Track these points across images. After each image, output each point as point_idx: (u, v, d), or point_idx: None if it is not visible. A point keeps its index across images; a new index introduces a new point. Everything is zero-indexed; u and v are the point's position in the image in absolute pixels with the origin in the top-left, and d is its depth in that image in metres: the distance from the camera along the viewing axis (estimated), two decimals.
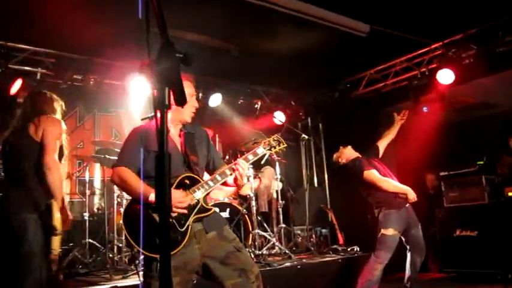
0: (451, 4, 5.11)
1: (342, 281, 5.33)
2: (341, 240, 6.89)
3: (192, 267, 2.56)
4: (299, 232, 6.98)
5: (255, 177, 6.22)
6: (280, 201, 6.47)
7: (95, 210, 6.57)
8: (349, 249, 6.38)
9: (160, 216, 1.39)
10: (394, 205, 4.55)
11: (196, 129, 2.93)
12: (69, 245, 5.58)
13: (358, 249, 6.30)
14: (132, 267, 5.00)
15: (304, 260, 5.64)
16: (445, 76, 6.13)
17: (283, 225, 6.33)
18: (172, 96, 1.41)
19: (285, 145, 3.04)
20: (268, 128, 7.44)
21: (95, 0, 4.69)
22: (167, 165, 1.34)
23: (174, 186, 2.56)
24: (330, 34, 5.63)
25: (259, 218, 6.09)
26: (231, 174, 2.74)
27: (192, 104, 2.80)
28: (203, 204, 2.64)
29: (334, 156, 5.18)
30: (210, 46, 5.94)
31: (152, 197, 2.45)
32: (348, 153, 5.03)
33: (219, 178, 2.72)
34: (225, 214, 5.80)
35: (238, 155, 6.67)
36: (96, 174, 6.85)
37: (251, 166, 5.54)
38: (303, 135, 6.36)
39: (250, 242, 5.83)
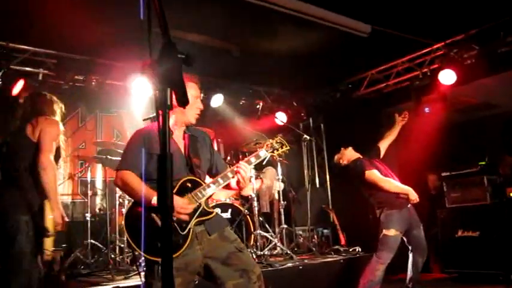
0: (453, 4, 5.10)
1: (344, 282, 5.33)
2: (343, 241, 6.88)
3: (193, 268, 2.56)
4: (301, 233, 6.97)
5: (256, 178, 6.22)
6: (282, 202, 6.47)
7: (97, 210, 6.58)
8: (350, 250, 6.37)
9: (162, 217, 1.39)
10: (395, 205, 4.55)
11: (199, 132, 2.93)
12: (70, 246, 5.61)
13: (359, 249, 6.30)
14: (134, 267, 5.00)
15: (305, 261, 5.63)
16: (447, 76, 6.13)
17: (285, 226, 6.33)
18: (174, 97, 1.41)
19: (288, 147, 3.03)
20: (270, 129, 7.45)
21: (97, 1, 4.70)
22: (169, 166, 1.34)
23: (176, 189, 2.56)
24: (332, 34, 5.63)
25: (261, 219, 6.08)
26: (233, 177, 2.74)
27: (196, 106, 2.80)
28: (205, 207, 2.63)
29: (336, 157, 5.18)
30: (211, 46, 5.95)
31: (155, 200, 2.45)
32: (349, 154, 5.03)
33: (221, 181, 2.72)
34: (227, 215, 5.80)
35: (240, 156, 6.70)
36: (98, 174, 6.86)
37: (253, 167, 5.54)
38: (305, 136, 6.36)
39: (252, 242, 5.83)
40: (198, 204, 2.60)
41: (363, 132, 6.35)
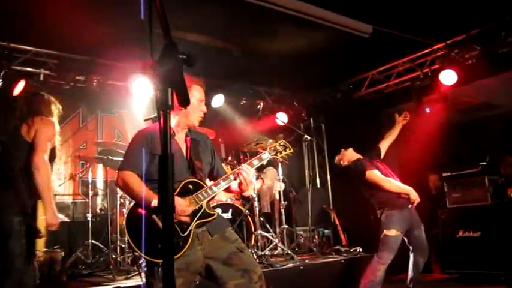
0: (454, 5, 5.10)
1: (345, 282, 5.33)
2: (343, 241, 6.88)
3: (195, 269, 2.56)
4: (301, 233, 6.97)
5: (257, 178, 6.22)
6: (283, 202, 6.47)
7: (98, 211, 6.58)
8: (351, 250, 6.37)
9: (163, 217, 1.39)
10: (396, 206, 4.54)
11: (201, 136, 2.93)
12: (71, 246, 5.61)
13: (360, 250, 6.29)
14: (135, 268, 5.00)
15: (306, 261, 5.63)
16: (448, 77, 6.12)
17: (286, 226, 6.33)
18: (175, 98, 1.41)
19: (291, 150, 3.03)
20: (271, 129, 7.46)
21: (98, 1, 4.70)
22: (171, 166, 1.35)
23: (177, 190, 2.56)
24: (333, 35, 5.64)
25: (261, 219, 6.08)
26: (235, 179, 2.74)
27: (201, 109, 2.81)
28: (206, 209, 2.63)
29: (336, 158, 5.18)
30: (212, 47, 5.95)
31: (155, 203, 2.45)
32: (349, 155, 5.03)
33: (223, 183, 2.72)
34: (228, 215, 5.80)
35: (241, 156, 6.70)
36: (99, 175, 6.86)
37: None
38: (306, 136, 6.36)
39: (252, 242, 5.83)
40: (199, 206, 2.60)
41: (364, 133, 6.35)
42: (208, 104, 6.83)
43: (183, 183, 2.60)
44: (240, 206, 6.01)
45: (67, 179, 6.62)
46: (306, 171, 8.73)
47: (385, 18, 5.40)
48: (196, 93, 2.78)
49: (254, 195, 5.87)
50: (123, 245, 5.44)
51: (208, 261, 2.59)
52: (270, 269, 4.92)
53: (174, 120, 2.75)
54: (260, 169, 6.52)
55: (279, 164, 6.41)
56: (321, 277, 5.30)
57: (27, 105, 3.37)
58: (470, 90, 6.81)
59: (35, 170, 3.03)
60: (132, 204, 2.69)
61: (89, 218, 5.67)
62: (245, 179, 2.71)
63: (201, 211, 2.60)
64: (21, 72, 5.68)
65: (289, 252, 5.77)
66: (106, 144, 6.52)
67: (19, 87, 5.51)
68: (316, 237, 7.11)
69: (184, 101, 1.45)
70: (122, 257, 5.43)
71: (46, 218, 3.05)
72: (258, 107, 7.86)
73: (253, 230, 5.89)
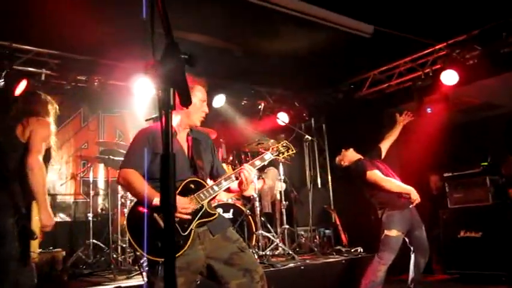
0: (455, 5, 5.10)
1: (346, 282, 5.33)
2: (344, 241, 6.88)
3: (196, 268, 2.57)
4: (302, 233, 6.98)
5: (258, 178, 6.22)
6: (284, 202, 6.47)
7: (99, 210, 6.59)
8: (352, 250, 6.37)
9: (164, 215, 1.39)
10: (397, 206, 4.54)
11: (202, 135, 2.94)
12: (72, 246, 5.61)
13: (361, 250, 6.30)
14: (136, 267, 5.01)
15: (307, 261, 5.63)
16: (449, 77, 6.12)
17: (287, 226, 6.33)
18: (177, 97, 1.41)
19: (294, 151, 3.04)
20: (272, 129, 7.46)
21: (100, 1, 4.70)
22: (172, 166, 1.35)
23: (179, 190, 2.57)
24: (334, 35, 5.63)
25: (262, 219, 6.08)
26: (237, 179, 2.75)
27: (202, 110, 2.82)
28: (207, 209, 2.64)
29: (337, 159, 5.19)
30: (213, 47, 5.95)
31: (156, 201, 2.45)
32: (350, 156, 5.04)
33: (224, 183, 2.73)
34: (229, 215, 5.80)
35: (242, 156, 6.70)
36: (100, 174, 6.87)
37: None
38: (307, 136, 6.37)
39: (253, 242, 5.84)
40: (200, 205, 2.60)
41: (365, 133, 6.34)
42: (209, 104, 6.85)
43: (184, 182, 2.61)
44: (241, 206, 6.02)
45: (68, 179, 6.63)
46: (307, 172, 8.73)
47: (387, 19, 5.40)
48: (198, 94, 2.78)
49: (255, 195, 5.87)
50: (124, 245, 5.45)
51: (209, 261, 2.60)
52: (271, 269, 4.93)
53: (175, 120, 2.76)
54: (261, 169, 6.51)
55: (280, 164, 6.42)
56: (321, 277, 5.30)
57: (23, 105, 3.34)
58: (472, 90, 6.81)
59: (29, 171, 3.00)
60: (133, 203, 2.69)
61: (90, 218, 5.67)
62: (246, 179, 2.71)
63: (202, 210, 2.61)
64: (23, 72, 5.69)
65: (290, 252, 5.78)
66: (107, 144, 6.53)
67: (21, 87, 5.51)
68: (317, 237, 7.12)
69: (187, 101, 1.45)
70: (123, 256, 5.43)
71: (41, 219, 3.02)
72: (259, 107, 7.86)
73: (254, 230, 5.90)
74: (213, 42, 5.89)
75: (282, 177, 6.56)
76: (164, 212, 1.37)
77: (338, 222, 7.19)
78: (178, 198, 2.51)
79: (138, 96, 6.49)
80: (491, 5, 5.18)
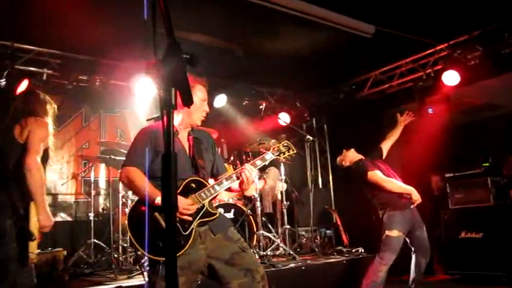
0: (457, 5, 5.10)
1: (347, 282, 5.33)
2: (345, 242, 6.88)
3: (197, 268, 2.57)
4: (303, 233, 6.97)
5: (259, 178, 6.22)
6: (285, 202, 6.48)
7: (100, 210, 6.59)
8: (353, 251, 6.37)
9: (166, 215, 1.39)
10: (398, 206, 4.54)
11: (203, 135, 2.95)
12: (73, 246, 5.62)
13: (362, 250, 6.30)
14: (137, 267, 5.02)
15: (308, 261, 5.63)
16: (451, 77, 6.11)
17: (288, 226, 6.33)
18: (179, 97, 1.41)
19: (295, 151, 3.04)
20: (273, 129, 7.47)
21: (101, 1, 4.71)
22: (173, 165, 1.35)
23: (180, 189, 2.57)
24: (335, 35, 5.63)
25: (263, 219, 6.09)
26: (238, 178, 2.75)
27: (203, 109, 2.82)
28: (208, 208, 2.64)
29: (338, 159, 5.19)
30: (214, 47, 5.96)
31: (158, 200, 2.46)
32: (351, 156, 5.04)
33: (225, 182, 2.73)
34: (230, 215, 5.80)
35: (243, 156, 6.70)
36: (102, 174, 6.87)
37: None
38: (308, 136, 6.36)
39: (254, 242, 5.83)
40: (201, 205, 2.61)
41: (366, 133, 6.34)
42: (210, 104, 6.87)
43: (185, 181, 2.61)
44: (242, 206, 6.02)
45: (69, 179, 6.64)
46: (308, 172, 8.73)
47: (388, 19, 5.40)
48: (199, 93, 2.79)
49: (256, 195, 5.88)
50: (125, 245, 5.45)
51: (210, 260, 2.60)
52: (272, 269, 4.93)
53: (177, 119, 2.77)
54: (262, 169, 6.52)
55: (281, 164, 6.42)
56: (322, 277, 5.31)
57: (22, 105, 3.33)
58: (473, 90, 6.80)
59: (27, 171, 2.98)
60: (134, 202, 2.70)
61: (91, 218, 5.67)
62: (247, 179, 2.71)
63: (203, 210, 2.61)
64: (24, 71, 5.70)
65: (291, 252, 5.78)
66: (108, 144, 6.53)
67: (22, 87, 5.52)
68: (318, 237, 7.12)
69: (188, 101, 1.45)
70: (124, 256, 5.44)
71: (39, 219, 3.01)
72: (260, 107, 7.86)
73: (255, 230, 5.90)
74: (214, 42, 5.89)
75: (283, 177, 6.56)
76: (166, 211, 1.37)
77: (339, 223, 7.19)
78: (180, 198, 2.51)
79: (140, 96, 6.49)
80: (492, 5, 5.18)
